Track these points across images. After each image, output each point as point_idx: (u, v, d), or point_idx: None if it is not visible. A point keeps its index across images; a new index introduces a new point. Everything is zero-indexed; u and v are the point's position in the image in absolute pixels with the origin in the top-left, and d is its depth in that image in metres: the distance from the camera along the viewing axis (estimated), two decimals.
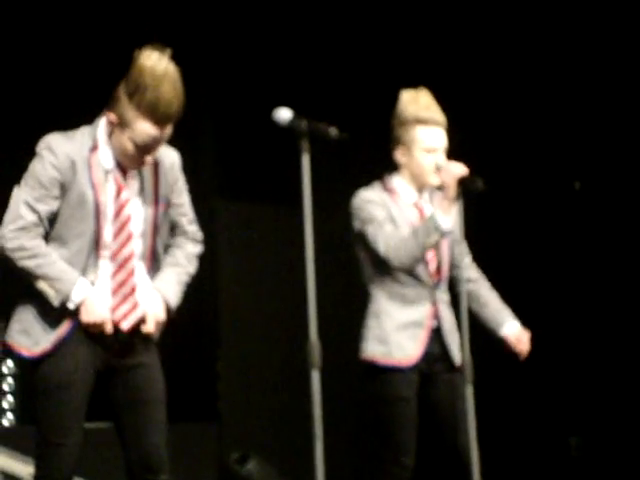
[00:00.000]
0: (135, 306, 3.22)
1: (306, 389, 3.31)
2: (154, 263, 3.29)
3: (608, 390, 6.34)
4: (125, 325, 3.20)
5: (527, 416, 6.36)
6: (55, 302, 3.13)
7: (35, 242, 3.14)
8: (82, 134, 3.23)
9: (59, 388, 3.13)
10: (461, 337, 3.79)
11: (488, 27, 6.35)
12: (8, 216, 3.17)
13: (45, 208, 3.16)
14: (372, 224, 3.88)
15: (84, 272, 3.18)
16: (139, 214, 3.24)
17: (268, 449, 5.53)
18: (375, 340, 3.87)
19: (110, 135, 3.20)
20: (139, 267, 3.25)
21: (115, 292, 3.20)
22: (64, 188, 3.16)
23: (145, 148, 3.15)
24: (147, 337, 3.25)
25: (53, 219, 3.19)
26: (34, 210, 3.15)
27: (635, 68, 6.31)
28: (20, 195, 3.16)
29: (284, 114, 3.40)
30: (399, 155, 3.94)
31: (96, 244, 3.18)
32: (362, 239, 3.92)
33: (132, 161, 3.19)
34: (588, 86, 6.39)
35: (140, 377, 3.22)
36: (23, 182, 3.19)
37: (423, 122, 3.88)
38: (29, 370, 3.21)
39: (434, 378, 3.90)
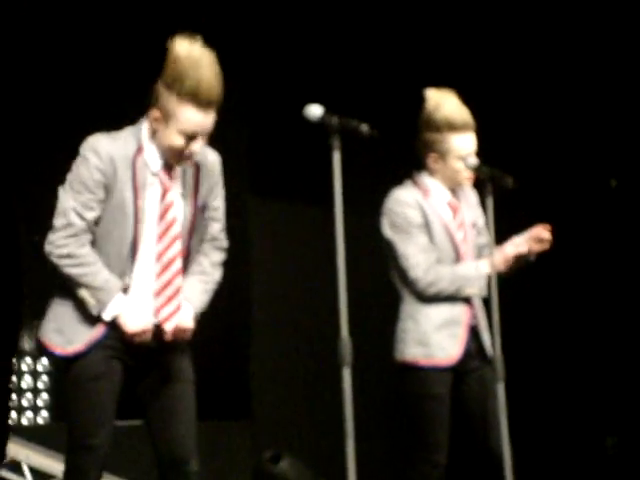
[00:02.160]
0: (179, 308, 3.22)
1: (338, 387, 3.30)
2: (187, 262, 3.28)
3: None
4: (168, 326, 3.20)
5: (563, 415, 6.32)
6: (94, 311, 3.15)
7: (84, 250, 3.15)
8: (126, 136, 3.22)
9: (89, 382, 3.14)
10: (492, 333, 3.77)
11: (515, 21, 6.31)
12: (57, 222, 3.18)
13: (92, 214, 3.17)
14: (411, 243, 3.84)
15: (121, 275, 3.19)
16: (181, 215, 3.24)
17: (301, 448, 5.53)
18: (415, 342, 3.86)
19: (154, 134, 3.19)
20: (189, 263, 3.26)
21: (159, 293, 3.20)
22: (107, 190, 3.16)
23: (192, 137, 3.14)
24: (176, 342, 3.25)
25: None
26: (82, 217, 3.16)
27: None
28: (68, 200, 3.16)
29: (315, 110, 3.39)
30: (431, 161, 3.91)
31: (134, 248, 3.19)
32: (392, 248, 3.90)
33: (180, 155, 3.18)
34: (625, 83, 6.34)
35: (168, 368, 3.23)
36: (68, 185, 3.19)
37: (456, 129, 3.86)
38: (62, 368, 3.23)
39: (466, 375, 3.88)
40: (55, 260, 3.16)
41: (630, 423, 6.31)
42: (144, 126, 3.23)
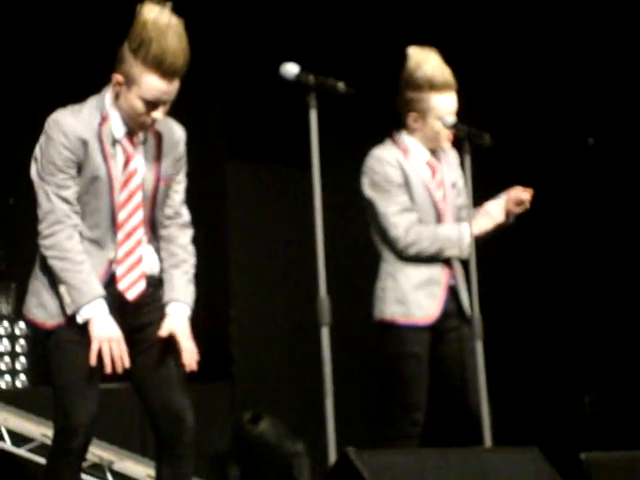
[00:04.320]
0: (141, 276, 3.22)
1: (317, 346, 3.31)
2: (152, 232, 3.27)
3: (623, 347, 6.32)
4: (130, 295, 3.21)
5: (541, 373, 6.35)
6: (68, 310, 3.14)
7: (69, 244, 3.14)
8: (90, 107, 3.21)
9: (71, 345, 3.15)
10: (470, 292, 3.78)
11: None
12: (40, 211, 3.17)
13: (69, 192, 3.15)
14: (391, 202, 3.83)
15: (103, 247, 3.19)
16: (153, 181, 3.23)
17: (281, 408, 5.54)
18: (394, 301, 3.86)
19: (117, 98, 3.17)
20: (151, 232, 3.25)
21: (120, 262, 3.20)
22: (79, 166, 3.15)
23: (154, 104, 3.13)
24: (155, 298, 3.25)
25: None
26: (61, 198, 3.15)
27: None
28: (43, 186, 3.16)
29: (291, 69, 3.38)
30: (411, 120, 3.90)
31: (113, 219, 3.18)
32: (372, 207, 3.89)
33: (141, 122, 3.16)
34: (603, 42, 6.33)
35: (151, 334, 3.22)
36: (40, 168, 3.17)
37: (437, 89, 3.84)
38: (44, 338, 3.21)
39: (445, 334, 3.89)
40: (43, 250, 3.16)
41: (608, 380, 6.36)
42: (107, 94, 3.21)
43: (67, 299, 3.13)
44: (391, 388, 3.87)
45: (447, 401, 3.90)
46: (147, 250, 3.26)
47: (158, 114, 3.15)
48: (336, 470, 3.08)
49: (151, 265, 3.26)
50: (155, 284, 3.26)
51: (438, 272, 3.88)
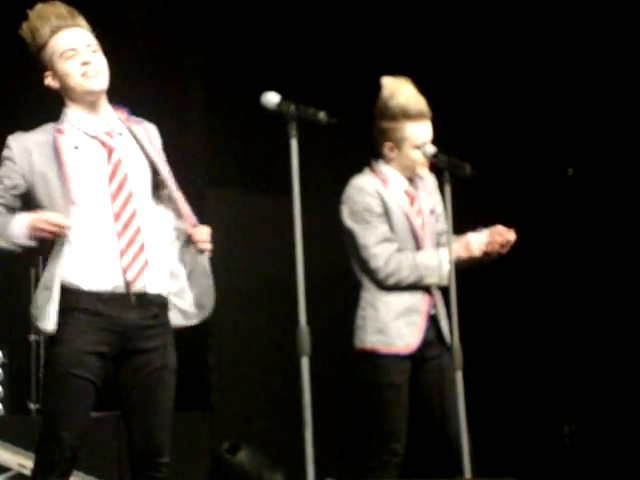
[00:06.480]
0: (146, 264, 3.20)
1: (296, 376, 3.29)
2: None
3: (602, 377, 6.33)
4: (139, 283, 3.18)
5: (521, 403, 6.35)
6: (9, 245, 3.16)
7: None
8: (46, 125, 3.29)
9: (65, 376, 3.11)
10: (450, 321, 3.78)
11: (475, 7, 6.33)
12: None
13: None
14: (371, 233, 3.83)
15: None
16: (139, 171, 3.25)
17: (259, 438, 5.51)
18: (374, 330, 3.86)
19: (67, 99, 3.26)
20: (147, 224, 3.23)
21: (124, 252, 3.18)
22: (27, 178, 3.18)
23: (80, 56, 3.22)
24: (162, 319, 3.22)
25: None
26: None
27: (627, 54, 6.29)
28: None
29: (272, 98, 3.39)
30: (387, 150, 3.92)
31: (67, 213, 3.16)
32: (352, 237, 3.89)
33: (83, 72, 3.22)
34: (581, 71, 6.37)
35: (150, 360, 3.19)
36: None
37: (412, 118, 3.86)
38: (47, 347, 3.22)
39: (425, 363, 3.89)
40: None
41: (588, 411, 6.36)
42: (63, 111, 3.29)
43: (3, 244, 3.16)
44: (371, 418, 3.86)
45: (427, 431, 3.89)
46: (157, 266, 3.24)
47: (90, 56, 3.23)
48: None
49: (159, 283, 3.23)
50: (161, 304, 3.23)
51: (418, 300, 3.88)
